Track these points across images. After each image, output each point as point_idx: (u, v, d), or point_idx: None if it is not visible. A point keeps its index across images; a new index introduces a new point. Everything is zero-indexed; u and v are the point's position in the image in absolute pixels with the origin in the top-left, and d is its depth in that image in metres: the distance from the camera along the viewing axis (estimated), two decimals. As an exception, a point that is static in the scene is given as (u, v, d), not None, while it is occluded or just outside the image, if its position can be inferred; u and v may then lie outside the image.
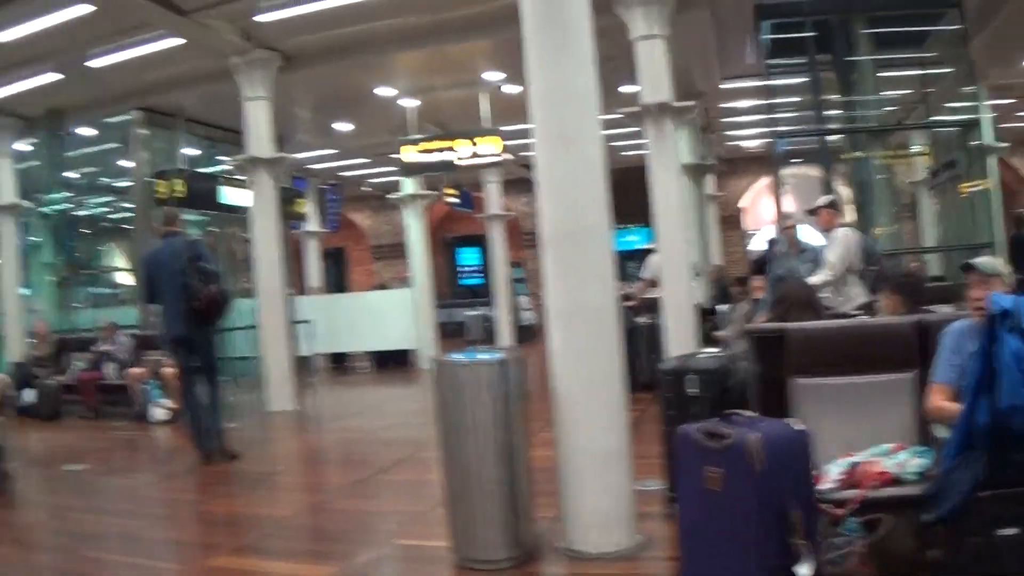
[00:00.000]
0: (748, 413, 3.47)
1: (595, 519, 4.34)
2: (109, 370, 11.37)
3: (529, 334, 19.08)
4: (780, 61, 11.01)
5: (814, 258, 7.16)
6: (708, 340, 9.00)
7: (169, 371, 10.05)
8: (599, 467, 4.34)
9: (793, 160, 13.10)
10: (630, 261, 17.36)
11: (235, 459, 7.68)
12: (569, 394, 4.38)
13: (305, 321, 13.47)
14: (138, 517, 6.22)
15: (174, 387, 9.91)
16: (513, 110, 11.61)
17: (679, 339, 8.93)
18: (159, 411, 10.45)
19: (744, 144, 20.78)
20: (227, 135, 14.24)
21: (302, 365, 12.48)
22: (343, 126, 16.50)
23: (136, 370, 10.87)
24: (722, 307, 10.25)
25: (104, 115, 14.49)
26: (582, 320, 4.40)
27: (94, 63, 11.45)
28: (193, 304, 7.33)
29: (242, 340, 11.96)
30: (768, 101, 11.46)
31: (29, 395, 11.39)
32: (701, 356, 5.26)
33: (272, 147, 11.39)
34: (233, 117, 11.87)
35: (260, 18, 10.19)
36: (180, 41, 10.67)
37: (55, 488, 7.60)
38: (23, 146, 14.63)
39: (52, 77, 11.98)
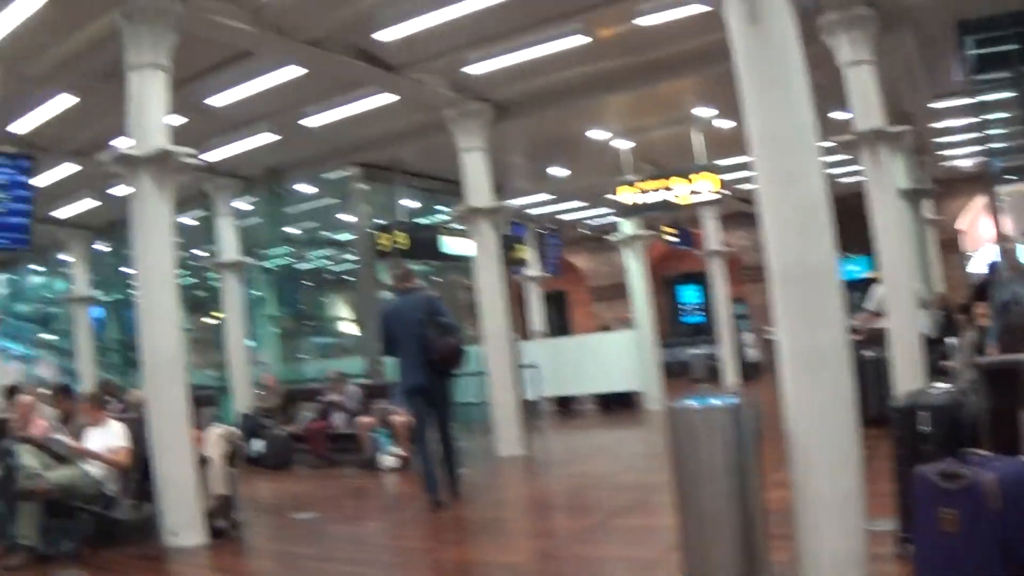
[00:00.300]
0: (982, 452, 3.67)
1: (831, 561, 4.61)
2: (337, 419, 12.54)
3: (754, 371, 19.43)
4: (987, 76, 10.99)
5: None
6: (935, 372, 9.06)
7: (398, 419, 11.12)
8: (835, 509, 4.63)
9: (1009, 177, 12.82)
10: (853, 291, 17.32)
11: (460, 502, 8.41)
12: (804, 436, 4.71)
13: (531, 366, 14.45)
14: (368, 565, 6.90)
15: (403, 435, 11.07)
16: (727, 144, 12.05)
17: (906, 372, 9.08)
18: (388, 459, 11.37)
19: (957, 164, 20.29)
20: (445, 186, 15.44)
21: (529, 409, 13.29)
22: (558, 171, 17.54)
23: (365, 419, 11.90)
24: (950, 339, 10.24)
25: (322, 171, 16.10)
26: (815, 360, 4.71)
27: (309, 122, 12.80)
28: (432, 356, 8.24)
29: (470, 386, 12.77)
30: (979, 118, 11.52)
31: (258, 445, 12.63)
32: (932, 391, 5.35)
33: (491, 196, 12.35)
34: (449, 168, 12.88)
35: (469, 70, 11.14)
36: (393, 97, 11.80)
37: (285, 536, 8.42)
38: (244, 205, 16.45)
39: (269, 137, 13.44)
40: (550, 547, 6.97)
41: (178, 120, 8.47)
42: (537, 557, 6.65)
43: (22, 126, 12.42)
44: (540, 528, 8.10)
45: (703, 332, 22.46)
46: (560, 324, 25.91)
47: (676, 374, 19.51)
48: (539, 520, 8.55)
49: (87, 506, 7.86)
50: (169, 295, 8.03)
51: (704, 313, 23.81)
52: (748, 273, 22.79)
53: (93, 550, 7.73)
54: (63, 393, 9.51)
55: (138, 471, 8.00)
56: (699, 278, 22.72)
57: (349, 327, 18.68)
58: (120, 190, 15.13)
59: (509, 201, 13.46)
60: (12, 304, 28.09)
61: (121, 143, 8.10)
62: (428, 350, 8.23)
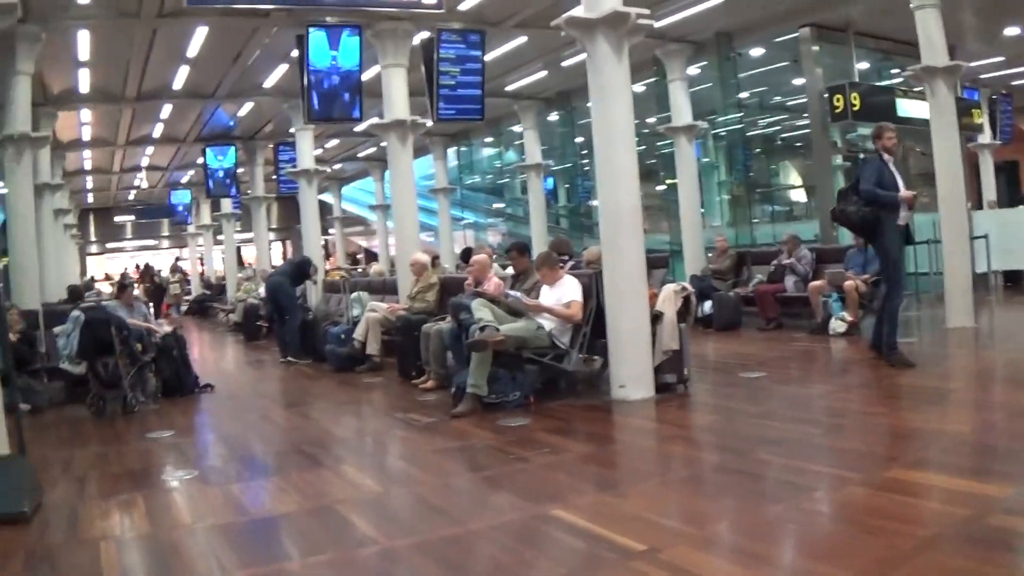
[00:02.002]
0: None
1: None
2: (789, 283, 15.44)
3: None
4: None
5: None
6: None
7: (850, 284, 13.56)
8: None
9: None
10: None
11: (910, 369, 9.99)
12: None
13: (982, 237, 16.92)
14: (812, 424, 8.11)
15: (854, 300, 13.52)
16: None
17: None
18: (839, 324, 13.62)
19: None
20: (898, 46, 18.16)
21: (978, 282, 15.35)
22: (1013, 31, 19.61)
23: (817, 283, 14.41)
24: None
25: (772, 34, 19.68)
26: None
27: None
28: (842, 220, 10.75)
29: (922, 255, 15.25)
30: None
31: (707, 306, 15.82)
32: None
33: (945, 55, 13.97)
34: (903, 27, 14.88)
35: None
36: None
37: (730, 393, 10.12)
38: (694, 70, 20.55)
39: (718, 0, 16.90)
40: (996, 419, 7.88)
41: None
42: (983, 428, 7.56)
43: (470, 2, 16.34)
44: (987, 400, 9.11)
45: None
46: (1011, 196, 27.10)
47: None
48: (985, 392, 9.66)
49: (538, 358, 9.85)
50: (627, 155, 9.86)
51: None
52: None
53: (539, 400, 9.79)
54: (519, 251, 11.61)
55: (589, 325, 9.92)
56: None
57: (800, 193, 22.35)
58: (570, 60, 19.70)
59: (964, 63, 14.46)
60: (464, 175, 34.39)
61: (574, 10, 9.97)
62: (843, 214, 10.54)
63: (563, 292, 9.98)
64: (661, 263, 15.67)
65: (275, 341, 17.50)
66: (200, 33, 17.15)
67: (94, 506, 6.97)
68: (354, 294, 15.84)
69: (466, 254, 17.39)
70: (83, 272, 44.08)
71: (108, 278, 42.55)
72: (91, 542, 5.96)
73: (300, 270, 16.77)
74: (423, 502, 6.51)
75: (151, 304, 30.35)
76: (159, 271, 43.89)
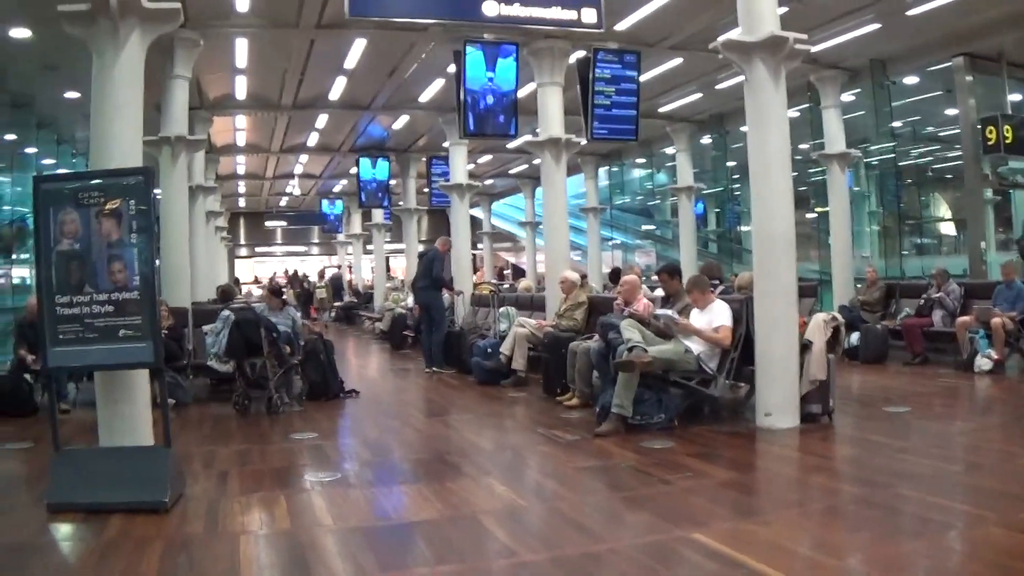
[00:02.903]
0: None
1: None
2: (937, 317, 15.14)
3: None
4: None
5: None
6: None
7: (997, 321, 13.27)
8: None
9: None
10: None
11: None
12: None
13: None
14: (952, 462, 8.03)
15: (1001, 337, 13.25)
16: None
17: None
18: (984, 361, 13.30)
19: None
20: None
21: None
22: None
23: (965, 319, 14.10)
24: None
25: (926, 63, 19.36)
26: None
27: (913, 11, 15.86)
28: None
29: None
30: None
31: (854, 338, 15.36)
32: None
33: None
34: None
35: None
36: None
37: (873, 427, 9.83)
38: (847, 97, 20.28)
39: (872, 27, 16.75)
40: None
41: (780, 10, 10.05)
42: None
43: (626, 22, 16.23)
44: None
45: None
46: None
47: None
48: None
49: (684, 381, 9.90)
50: (783, 180, 9.87)
51: None
52: None
53: (683, 424, 9.78)
54: (669, 273, 11.44)
55: (738, 351, 9.92)
56: None
57: (949, 227, 21.85)
58: (724, 83, 19.61)
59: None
60: (614, 195, 34.29)
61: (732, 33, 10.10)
62: None
63: (713, 316, 9.97)
64: (810, 292, 15.38)
65: (420, 351, 17.69)
66: (358, 45, 17.44)
67: (234, 501, 7.18)
68: (502, 308, 16.05)
69: (614, 275, 17.38)
70: (231, 274, 45.39)
71: (256, 281, 43.58)
72: (230, 536, 6.15)
73: (429, 268, 16.52)
74: (563, 517, 6.52)
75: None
76: (306, 276, 44.77)
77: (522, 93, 16.49)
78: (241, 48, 17.26)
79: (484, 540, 6.01)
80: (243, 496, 7.37)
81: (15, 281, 22.11)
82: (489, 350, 14.36)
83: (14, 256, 22.04)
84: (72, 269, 7.33)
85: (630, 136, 17.32)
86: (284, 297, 14.55)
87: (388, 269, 37.10)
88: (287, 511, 6.82)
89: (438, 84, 20.35)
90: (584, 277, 15.22)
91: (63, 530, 6.51)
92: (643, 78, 17.40)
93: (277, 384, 11.99)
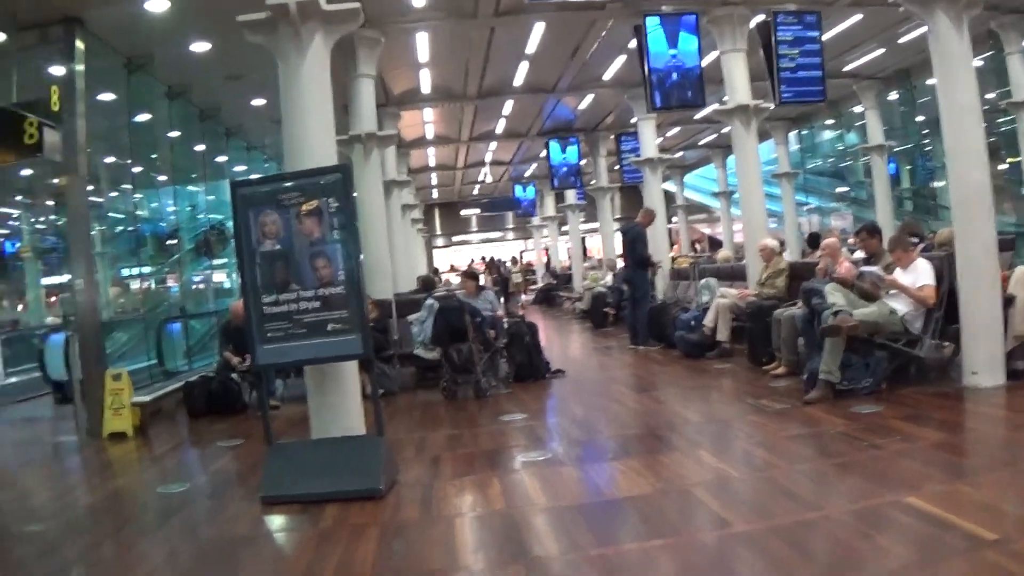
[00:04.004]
0: None
1: None
2: None
3: None
4: None
5: None
6: None
7: None
8: None
9: None
10: None
11: None
12: None
13: None
14: None
15: None
16: None
17: None
18: None
19: None
20: None
21: None
22: None
23: None
24: None
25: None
26: None
27: None
28: None
29: None
30: None
31: None
32: None
33: None
34: None
35: None
36: None
37: None
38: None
39: None
40: None
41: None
42: None
43: None
44: None
45: None
46: None
47: None
48: None
49: (890, 343, 9.64)
50: (976, 131, 9.58)
51: None
52: None
53: (890, 387, 9.60)
54: (869, 232, 11.38)
55: (942, 310, 9.62)
56: None
57: None
58: (907, 36, 19.10)
59: None
60: (806, 159, 33.70)
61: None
62: None
63: (917, 275, 9.69)
64: (1007, 245, 14.81)
65: (622, 328, 17.76)
66: (537, 29, 17.52)
67: (448, 485, 7.37)
68: (703, 280, 15.90)
69: (812, 239, 17.05)
70: (429, 264, 46.26)
71: (453, 269, 44.36)
72: (445, 518, 6.33)
73: (632, 247, 16.40)
74: (775, 486, 6.45)
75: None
76: (503, 262, 45.33)
77: (705, 62, 16.30)
78: (422, 42, 17.61)
79: (697, 512, 6.02)
80: (456, 479, 7.56)
81: (215, 285, 23.09)
82: (692, 323, 14.25)
83: (214, 261, 22.95)
84: (277, 269, 7.64)
85: (818, 97, 16.93)
86: (481, 282, 14.73)
87: (584, 249, 37.29)
88: (500, 492, 6.94)
89: (620, 61, 20.34)
90: (782, 244, 14.96)
91: (278, 521, 6.82)
92: (825, 37, 16.97)
93: (483, 368, 12.22)
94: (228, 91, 18.16)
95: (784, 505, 5.93)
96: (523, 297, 37.89)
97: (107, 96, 15.56)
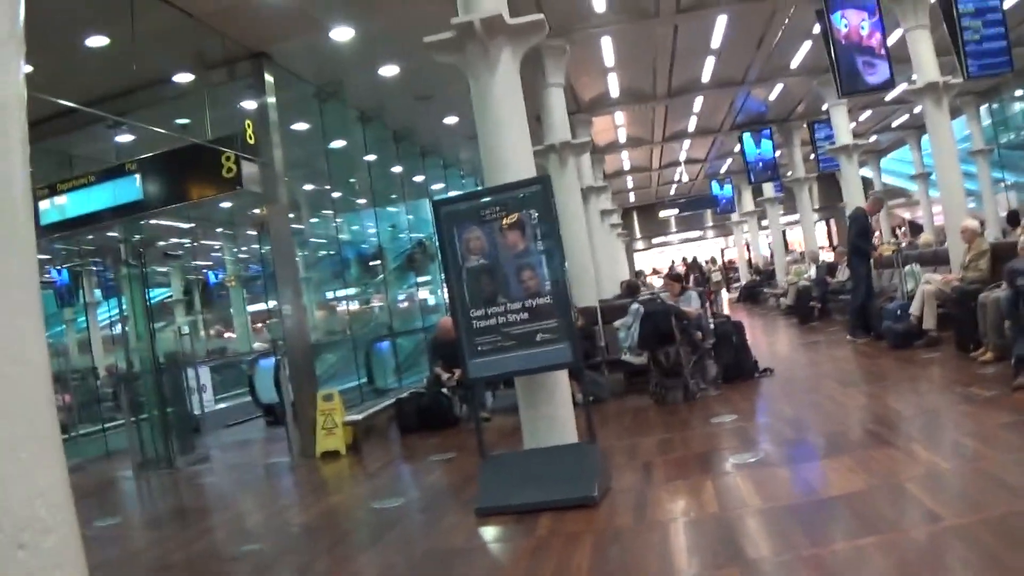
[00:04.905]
0: None
1: None
2: None
3: None
4: None
5: None
6: None
7: None
8: None
9: None
10: None
11: None
12: None
13: None
14: None
15: None
16: None
17: None
18: None
19: None
20: None
21: None
22: None
23: None
24: None
25: None
26: None
27: None
28: None
29: None
30: None
31: None
32: None
33: None
34: None
35: None
36: None
37: None
38: None
39: None
40: None
41: None
42: None
43: None
44: None
45: None
46: None
47: None
48: None
49: None
50: None
51: None
52: None
53: None
54: None
55: None
56: None
57: None
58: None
59: None
60: (999, 133, 32.51)
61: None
62: None
63: None
64: None
65: (828, 322, 17.59)
66: (720, 22, 17.50)
67: (661, 490, 7.37)
68: (906, 267, 15.48)
69: (1013, 217, 16.45)
70: (631, 268, 46.17)
71: (655, 272, 44.34)
72: (659, 524, 6.32)
73: (858, 231, 15.81)
74: (988, 477, 6.21)
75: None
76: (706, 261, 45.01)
77: (890, 41, 16.04)
78: (607, 46, 17.72)
79: (909, 507, 5.85)
80: (668, 484, 7.55)
81: (420, 302, 23.60)
82: (899, 312, 13.85)
83: (418, 279, 23.46)
84: (483, 283, 7.82)
85: (1005, 68, 16.21)
86: (682, 284, 14.61)
87: (785, 243, 36.81)
88: (713, 495, 6.88)
89: (806, 47, 20.19)
90: (982, 224, 14.48)
91: (493, 532, 6.93)
92: (1006, 5, 16.37)
93: (692, 370, 12.12)
94: (420, 111, 18.57)
95: (998, 496, 5.71)
96: (726, 294, 37.67)
97: (301, 125, 16.26)
